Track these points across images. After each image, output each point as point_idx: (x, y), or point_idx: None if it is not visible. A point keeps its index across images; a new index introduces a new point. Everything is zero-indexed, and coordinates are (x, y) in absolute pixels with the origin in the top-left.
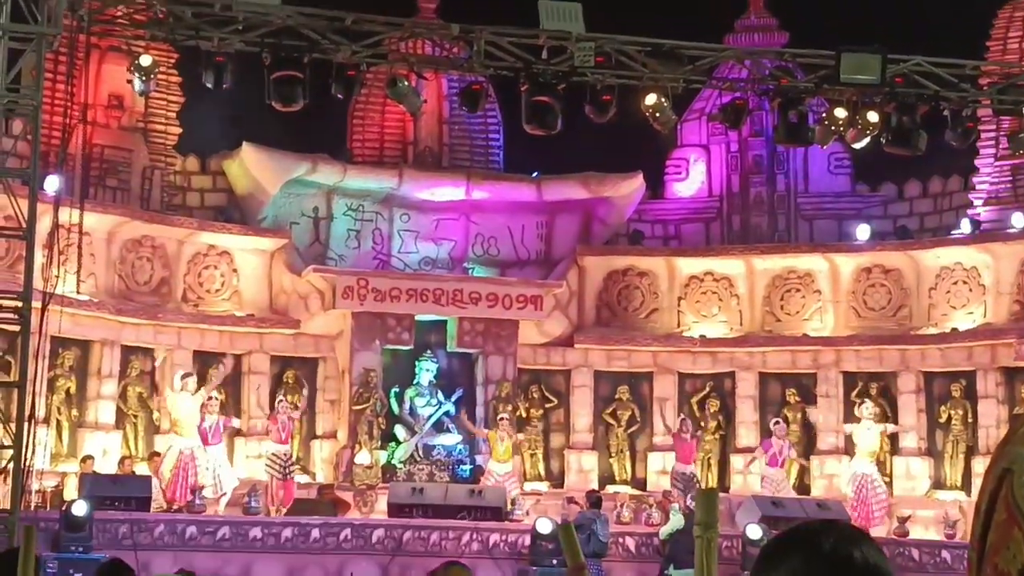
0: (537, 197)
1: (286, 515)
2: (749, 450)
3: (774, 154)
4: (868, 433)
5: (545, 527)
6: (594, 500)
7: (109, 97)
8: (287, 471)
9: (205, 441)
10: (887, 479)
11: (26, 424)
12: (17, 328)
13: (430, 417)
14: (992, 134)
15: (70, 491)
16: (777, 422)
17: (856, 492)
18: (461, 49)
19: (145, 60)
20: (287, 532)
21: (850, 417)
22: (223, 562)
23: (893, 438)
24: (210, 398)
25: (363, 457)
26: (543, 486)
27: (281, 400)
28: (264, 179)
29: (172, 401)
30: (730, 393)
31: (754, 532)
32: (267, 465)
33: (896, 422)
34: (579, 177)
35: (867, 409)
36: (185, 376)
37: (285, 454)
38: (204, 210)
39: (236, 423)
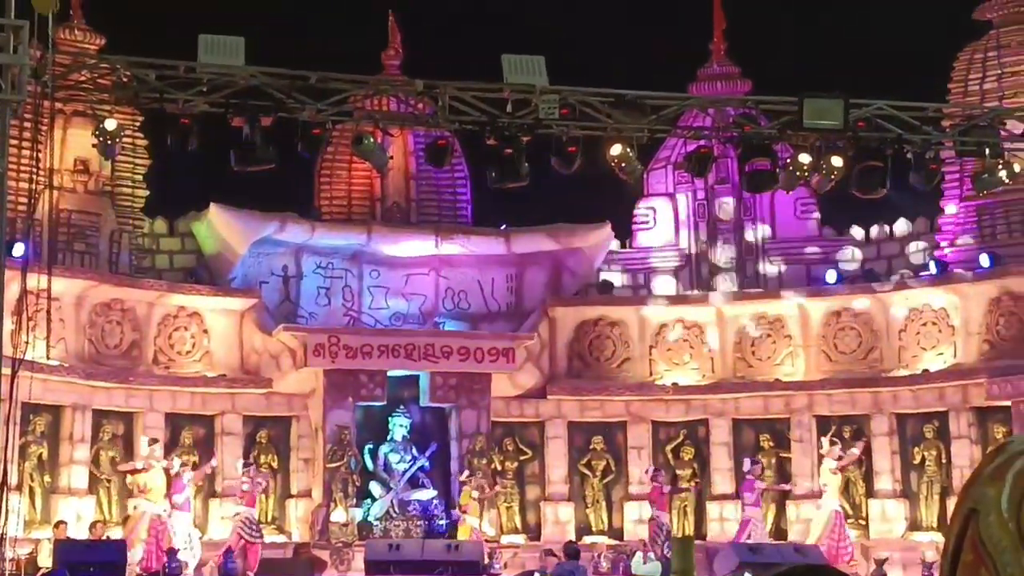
0: (506, 250)
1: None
2: (725, 497)
3: (740, 201)
4: (833, 472)
5: None
6: (571, 552)
7: (75, 162)
8: (254, 536)
9: (179, 508)
10: (863, 521)
11: None
12: None
13: (405, 473)
14: (956, 176)
15: (44, 558)
16: (756, 461)
17: (831, 529)
18: (426, 105)
19: (110, 124)
20: None
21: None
22: None
23: (868, 480)
24: (184, 466)
25: (338, 515)
26: (520, 539)
27: (251, 464)
28: (233, 239)
29: (149, 472)
30: (704, 440)
31: None
32: (241, 529)
33: (871, 465)
34: (547, 229)
35: (826, 444)
36: (153, 443)
37: (255, 517)
38: (173, 272)
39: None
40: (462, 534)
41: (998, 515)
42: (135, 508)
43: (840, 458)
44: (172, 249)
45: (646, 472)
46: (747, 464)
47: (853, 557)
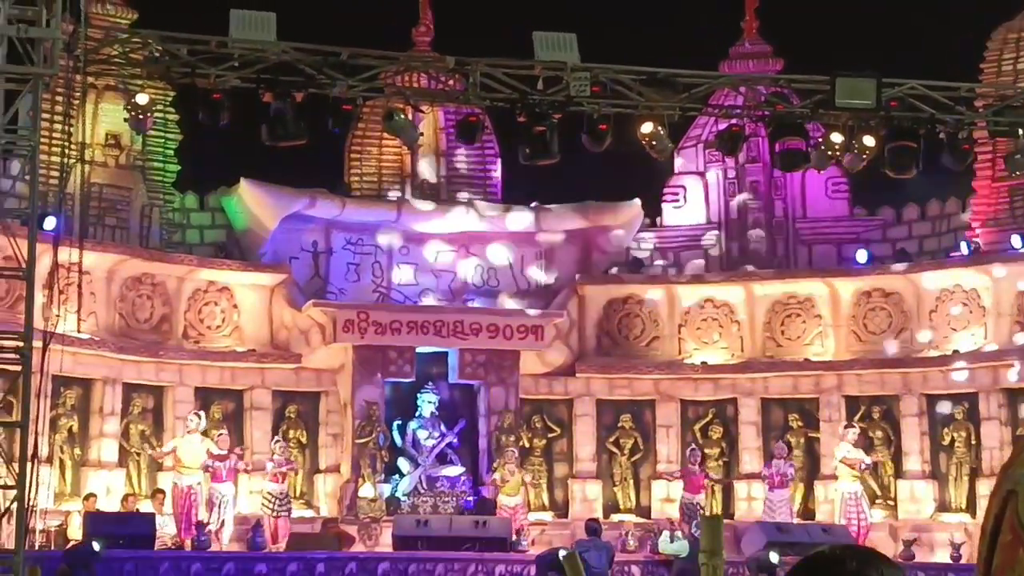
0: (536, 227)
1: (284, 551)
2: (754, 476)
3: (771, 180)
4: (849, 455)
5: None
6: (590, 528)
7: (106, 136)
8: (279, 510)
9: (219, 479)
10: (891, 502)
11: (29, 464)
12: (18, 368)
13: (433, 449)
14: (989, 156)
15: (74, 530)
16: (779, 444)
17: (844, 512)
18: (457, 82)
19: (142, 98)
20: (292, 567)
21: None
22: None
23: (897, 461)
24: (220, 435)
25: (367, 490)
26: (547, 516)
27: (278, 440)
28: (263, 215)
29: (181, 443)
30: (733, 419)
31: (776, 558)
32: (263, 504)
33: (899, 445)
34: (577, 206)
35: (851, 433)
36: (195, 414)
37: (281, 493)
38: (203, 247)
39: (242, 464)
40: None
41: None
42: (176, 483)
43: (855, 443)
44: (202, 224)
45: (689, 448)
46: (779, 449)
47: (866, 538)
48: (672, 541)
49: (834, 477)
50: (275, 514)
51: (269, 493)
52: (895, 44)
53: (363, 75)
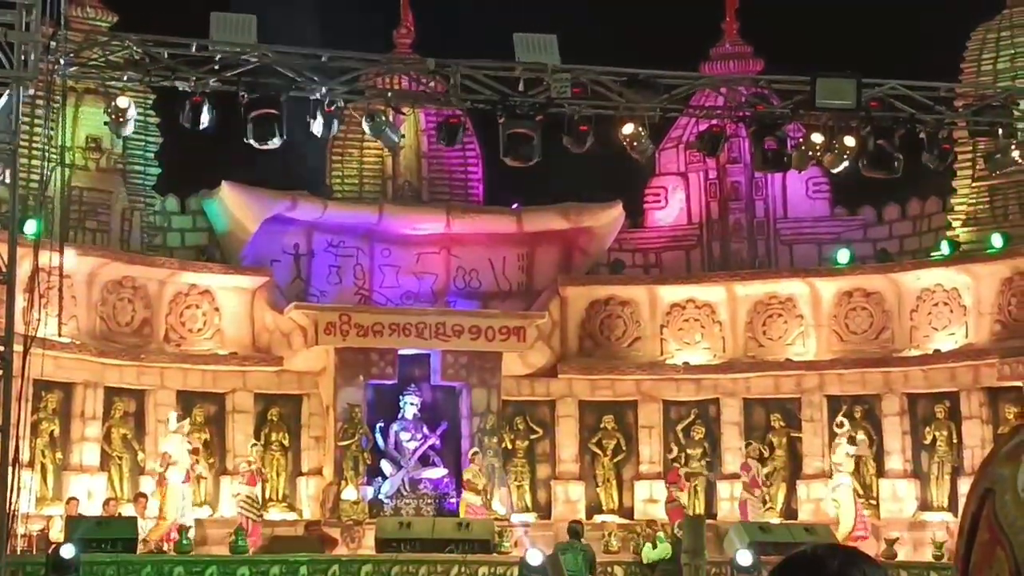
0: (517, 229)
1: (258, 553)
2: (736, 476)
3: (752, 180)
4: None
5: (535, 559)
6: (571, 530)
7: (87, 139)
8: (257, 513)
9: (182, 480)
10: (873, 501)
11: (10, 468)
12: None
13: (416, 451)
14: (969, 155)
15: (56, 534)
16: (749, 443)
17: (856, 507)
18: (438, 83)
19: (122, 101)
20: (275, 570)
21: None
22: None
23: (879, 460)
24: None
25: (349, 493)
26: (530, 517)
27: (254, 443)
28: (244, 217)
29: (173, 442)
30: (715, 420)
31: (744, 559)
32: (240, 507)
33: (881, 444)
34: (559, 208)
35: (844, 428)
36: (180, 418)
37: (254, 496)
38: (185, 250)
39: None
40: (462, 511)
41: (1014, 495)
42: (169, 485)
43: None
44: (183, 227)
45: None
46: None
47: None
48: (655, 547)
49: (826, 476)
50: (253, 517)
51: (248, 497)
52: (875, 44)
53: (344, 77)
